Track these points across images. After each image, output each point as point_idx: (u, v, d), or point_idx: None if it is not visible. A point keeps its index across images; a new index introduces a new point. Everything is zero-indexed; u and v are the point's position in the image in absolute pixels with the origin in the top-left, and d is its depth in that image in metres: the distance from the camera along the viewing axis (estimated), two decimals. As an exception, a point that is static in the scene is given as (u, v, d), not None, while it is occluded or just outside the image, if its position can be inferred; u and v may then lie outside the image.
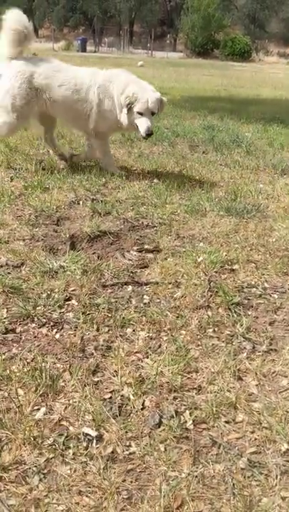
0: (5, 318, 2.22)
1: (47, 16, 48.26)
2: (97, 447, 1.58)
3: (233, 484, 1.48)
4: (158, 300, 2.47)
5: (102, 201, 3.70)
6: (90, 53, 36.58)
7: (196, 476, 1.50)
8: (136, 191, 4.01)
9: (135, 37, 48.91)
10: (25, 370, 1.89)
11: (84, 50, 38.64)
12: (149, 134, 4.03)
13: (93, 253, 2.93)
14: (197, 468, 1.53)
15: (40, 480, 1.47)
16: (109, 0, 44.87)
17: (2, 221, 3.26)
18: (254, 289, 2.62)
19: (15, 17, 4.02)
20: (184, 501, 1.41)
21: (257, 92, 14.29)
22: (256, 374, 1.97)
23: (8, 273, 2.61)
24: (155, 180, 4.35)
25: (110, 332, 2.18)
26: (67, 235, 3.09)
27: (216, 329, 2.26)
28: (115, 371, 1.93)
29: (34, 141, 5.48)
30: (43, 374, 1.85)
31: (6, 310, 2.28)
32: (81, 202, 3.72)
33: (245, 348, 2.14)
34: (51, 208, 3.52)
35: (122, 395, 1.81)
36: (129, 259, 2.86)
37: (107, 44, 44.77)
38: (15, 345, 2.07)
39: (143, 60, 28.20)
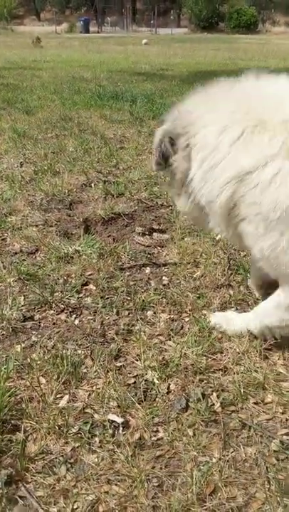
0: (22, 306, 2.18)
1: (48, -1, 47.52)
2: (124, 434, 1.54)
3: (267, 468, 1.42)
4: (177, 281, 2.40)
5: (114, 182, 3.62)
6: (94, 34, 36.05)
7: (228, 461, 1.45)
8: (148, 171, 3.91)
9: (138, 15, 47.97)
10: (46, 357, 1.85)
11: (87, 31, 38.07)
12: None
13: (108, 236, 2.86)
14: (228, 452, 1.48)
15: (68, 470, 1.43)
16: (110, -22, 44.04)
17: (14, 207, 3.20)
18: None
19: None
20: (217, 487, 1.36)
21: (266, 63, 13.92)
22: (283, 353, 1.90)
23: (23, 260, 2.57)
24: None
25: (130, 315, 2.13)
26: (81, 219, 3.03)
27: (238, 308, 2.19)
28: (138, 355, 1.88)
29: (42, 125, 5.39)
30: (65, 361, 1.80)
31: (23, 297, 2.24)
32: (93, 184, 3.64)
33: (270, 326, 2.07)
34: (63, 192, 3.45)
35: (146, 380, 1.76)
36: (146, 241, 2.79)
37: (110, 23, 44.05)
38: (34, 332, 2.03)
39: (147, 37, 27.71)
